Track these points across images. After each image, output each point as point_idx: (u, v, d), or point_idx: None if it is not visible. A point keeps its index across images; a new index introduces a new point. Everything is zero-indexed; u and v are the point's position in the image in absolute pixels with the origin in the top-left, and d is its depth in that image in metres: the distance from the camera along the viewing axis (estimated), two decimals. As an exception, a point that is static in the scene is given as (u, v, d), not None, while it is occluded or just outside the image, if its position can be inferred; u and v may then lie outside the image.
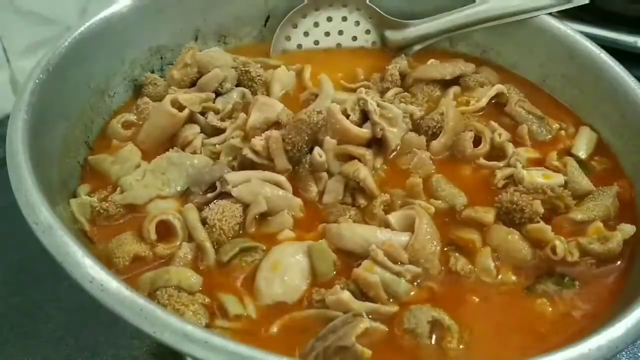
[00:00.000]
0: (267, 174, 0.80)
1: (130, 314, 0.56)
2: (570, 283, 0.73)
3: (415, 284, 0.71)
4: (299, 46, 1.10)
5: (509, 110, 0.96)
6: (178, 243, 0.74)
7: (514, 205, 0.77)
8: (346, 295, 0.66)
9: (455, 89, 1.01)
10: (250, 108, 0.91)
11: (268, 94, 0.97)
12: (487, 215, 0.78)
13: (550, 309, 0.71)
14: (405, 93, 0.97)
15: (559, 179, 0.83)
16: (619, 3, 1.40)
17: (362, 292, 0.68)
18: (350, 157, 0.83)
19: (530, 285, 0.72)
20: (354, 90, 0.96)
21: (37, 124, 0.74)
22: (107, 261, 0.72)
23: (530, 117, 0.95)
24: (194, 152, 0.85)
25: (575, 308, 0.72)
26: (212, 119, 0.89)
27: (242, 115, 0.90)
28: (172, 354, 0.83)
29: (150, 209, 0.78)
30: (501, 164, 0.86)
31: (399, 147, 0.88)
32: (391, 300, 0.69)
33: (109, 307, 0.57)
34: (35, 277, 0.97)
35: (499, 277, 0.73)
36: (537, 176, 0.83)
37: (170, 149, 0.84)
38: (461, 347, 0.66)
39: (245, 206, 0.77)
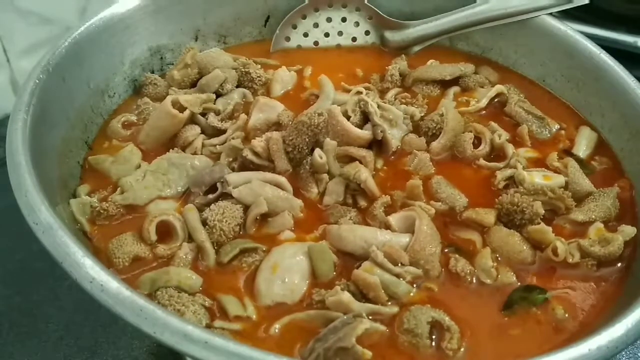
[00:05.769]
0: (268, 175, 0.80)
1: (130, 314, 0.56)
2: (540, 298, 0.72)
3: (415, 285, 0.71)
4: (299, 47, 1.10)
5: (508, 110, 0.96)
6: (178, 244, 0.74)
7: (515, 207, 0.77)
8: (346, 296, 0.66)
9: (455, 90, 1.01)
10: (251, 109, 0.91)
11: (268, 95, 0.98)
12: (488, 216, 0.78)
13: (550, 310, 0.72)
14: (406, 93, 0.98)
15: (560, 179, 0.83)
16: (619, 3, 1.40)
17: (362, 293, 0.69)
18: (350, 159, 0.83)
19: (507, 303, 0.71)
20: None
21: (37, 124, 0.74)
22: (107, 261, 0.72)
23: (530, 117, 0.95)
24: (195, 153, 0.85)
25: (576, 309, 0.72)
26: (213, 120, 0.89)
27: (243, 116, 0.91)
28: (172, 354, 0.83)
29: (150, 209, 0.78)
30: (501, 165, 0.86)
31: (399, 149, 0.88)
32: (391, 301, 0.69)
33: (109, 307, 0.57)
34: (35, 277, 0.97)
35: (499, 278, 0.73)
36: (537, 177, 0.83)
37: (171, 150, 0.85)
38: (461, 347, 0.66)
39: (246, 207, 0.77)
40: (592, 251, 0.74)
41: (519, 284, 0.73)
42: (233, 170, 0.82)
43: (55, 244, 0.61)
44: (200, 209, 0.77)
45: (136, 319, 0.56)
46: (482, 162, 0.87)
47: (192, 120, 0.89)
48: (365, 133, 0.84)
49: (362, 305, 0.67)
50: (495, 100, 0.98)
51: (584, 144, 0.93)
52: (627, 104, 0.91)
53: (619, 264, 0.76)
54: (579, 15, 1.29)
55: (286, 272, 0.71)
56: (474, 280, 0.73)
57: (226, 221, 0.74)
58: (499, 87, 0.98)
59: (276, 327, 0.67)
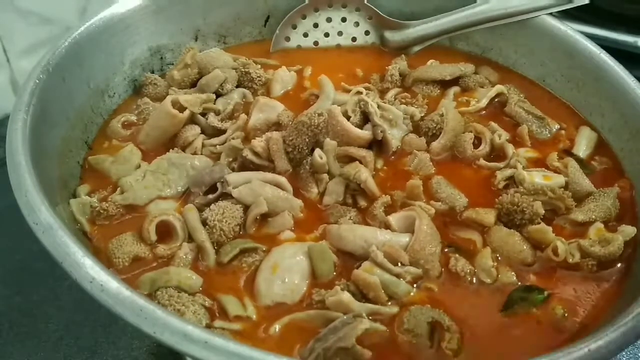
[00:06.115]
0: (268, 175, 0.80)
1: (130, 314, 0.56)
2: (539, 298, 0.72)
3: (415, 285, 0.71)
4: (299, 47, 1.10)
5: (509, 110, 0.96)
6: (178, 244, 0.74)
7: (515, 207, 0.77)
8: (346, 296, 0.66)
9: (455, 90, 1.01)
10: (251, 109, 0.91)
11: (268, 95, 0.98)
12: (488, 216, 0.78)
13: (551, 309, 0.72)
14: (406, 93, 0.98)
15: (560, 179, 0.83)
16: (619, 3, 1.40)
17: (362, 293, 0.69)
18: (350, 159, 0.83)
19: (506, 304, 0.71)
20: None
21: (37, 124, 0.74)
22: (107, 261, 0.72)
23: (530, 117, 0.95)
24: (195, 153, 0.85)
25: (576, 309, 0.72)
26: (213, 120, 0.89)
27: (243, 116, 0.91)
28: (172, 354, 0.83)
29: (150, 209, 0.78)
30: (501, 165, 0.86)
31: (399, 149, 0.88)
32: (391, 301, 0.69)
33: (109, 307, 0.57)
34: (35, 277, 0.97)
35: (499, 278, 0.73)
36: (537, 177, 0.83)
37: (171, 150, 0.85)
38: (461, 348, 0.66)
39: (246, 207, 0.77)
40: (592, 251, 0.74)
41: (519, 284, 0.73)
42: (233, 170, 0.82)
43: (55, 244, 0.61)
44: (200, 209, 0.77)
45: (136, 319, 0.56)
46: (482, 162, 0.87)
47: (192, 120, 0.89)
48: (365, 133, 0.84)
49: (362, 305, 0.67)
50: (495, 100, 0.98)
51: (584, 144, 0.93)
52: (627, 104, 0.91)
53: (619, 264, 0.76)
54: (579, 15, 1.28)
55: (286, 272, 0.71)
56: (474, 280, 0.73)
57: (226, 221, 0.74)
58: (499, 87, 0.98)
59: (276, 327, 0.67)
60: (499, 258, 0.75)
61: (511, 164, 0.86)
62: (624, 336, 0.59)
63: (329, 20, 1.09)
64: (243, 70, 0.97)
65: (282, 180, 0.80)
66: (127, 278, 0.70)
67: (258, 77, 0.98)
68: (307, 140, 0.81)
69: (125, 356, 0.89)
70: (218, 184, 0.78)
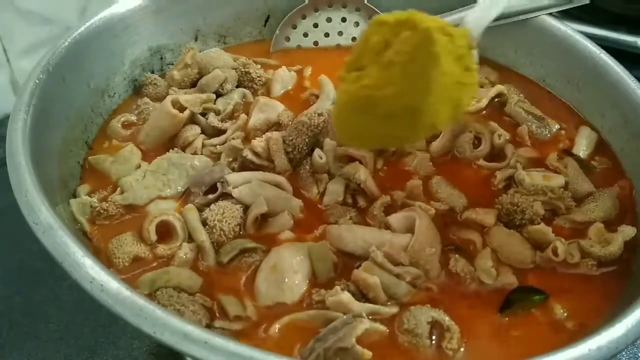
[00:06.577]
0: (268, 175, 0.80)
1: (130, 314, 0.56)
2: (538, 298, 0.72)
3: (415, 285, 0.71)
4: (299, 47, 1.10)
5: (508, 110, 0.96)
6: (178, 244, 0.74)
7: (515, 207, 0.77)
8: (346, 296, 0.66)
9: (455, 89, 1.01)
10: (251, 109, 0.91)
11: (268, 95, 0.98)
12: (488, 216, 0.78)
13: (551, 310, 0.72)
14: (406, 93, 0.97)
15: (560, 180, 0.83)
16: (619, 3, 1.40)
17: (362, 293, 0.69)
18: (350, 159, 0.83)
19: (506, 305, 0.71)
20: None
21: (37, 124, 0.74)
22: (107, 261, 0.72)
23: (530, 117, 0.95)
24: (195, 153, 0.85)
25: (576, 309, 0.72)
26: (213, 120, 0.89)
27: (243, 116, 0.91)
28: (172, 354, 0.83)
29: (150, 209, 0.78)
30: (501, 165, 0.86)
31: (399, 149, 0.88)
32: (391, 301, 0.69)
33: (109, 307, 0.57)
34: (35, 277, 0.97)
35: (499, 278, 0.73)
36: (537, 177, 0.83)
37: (171, 150, 0.85)
38: (461, 347, 0.66)
39: (246, 207, 0.77)
40: (592, 251, 0.74)
41: (519, 284, 0.73)
42: (233, 170, 0.82)
43: (55, 244, 0.61)
44: (200, 209, 0.77)
45: (136, 319, 0.56)
46: (482, 162, 0.87)
47: (192, 120, 0.89)
48: (365, 133, 0.84)
49: (362, 305, 0.67)
50: (495, 100, 0.98)
51: (584, 144, 0.93)
52: (627, 104, 0.91)
53: (619, 264, 0.76)
54: (579, 15, 1.28)
55: (286, 272, 0.71)
56: (474, 281, 0.73)
57: (226, 221, 0.74)
58: (499, 87, 0.98)
59: (276, 327, 0.67)
60: (499, 258, 0.75)
61: (511, 164, 0.86)
62: (624, 336, 0.59)
63: (329, 20, 1.09)
64: (243, 70, 0.97)
65: (282, 180, 0.80)
66: (127, 278, 0.70)
67: (258, 77, 0.98)
68: (307, 140, 0.81)
69: (125, 356, 0.89)
70: (218, 184, 0.78)
